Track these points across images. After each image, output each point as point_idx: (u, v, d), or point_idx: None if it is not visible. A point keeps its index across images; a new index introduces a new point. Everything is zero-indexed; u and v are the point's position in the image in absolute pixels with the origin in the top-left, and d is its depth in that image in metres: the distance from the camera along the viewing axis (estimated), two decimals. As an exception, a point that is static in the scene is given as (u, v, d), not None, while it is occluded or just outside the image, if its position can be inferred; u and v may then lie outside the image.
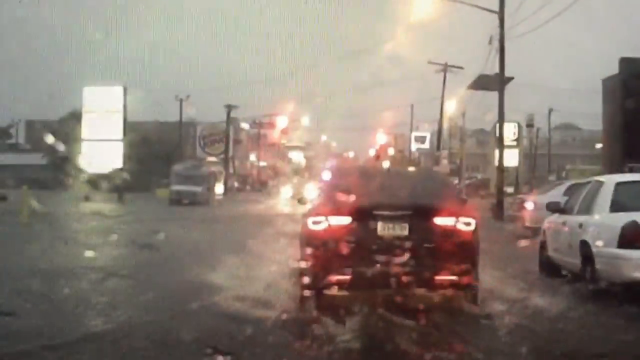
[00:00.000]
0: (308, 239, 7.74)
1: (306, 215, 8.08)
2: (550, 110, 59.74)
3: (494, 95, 28.49)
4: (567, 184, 18.62)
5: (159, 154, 52.87)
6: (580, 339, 6.81)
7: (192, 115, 60.59)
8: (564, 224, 10.13)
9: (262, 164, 78.36)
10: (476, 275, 7.77)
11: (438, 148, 50.54)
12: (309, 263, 7.57)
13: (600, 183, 9.60)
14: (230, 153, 62.76)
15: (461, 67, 45.51)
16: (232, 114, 60.28)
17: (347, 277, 7.45)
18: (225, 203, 42.10)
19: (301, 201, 10.47)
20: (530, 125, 50.97)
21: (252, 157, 78.66)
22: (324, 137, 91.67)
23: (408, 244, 7.40)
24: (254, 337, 6.55)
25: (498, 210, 26.36)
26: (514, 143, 40.42)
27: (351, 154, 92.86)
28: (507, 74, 27.70)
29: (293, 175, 61.23)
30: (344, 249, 7.41)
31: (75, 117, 44.84)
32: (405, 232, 7.53)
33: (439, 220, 7.60)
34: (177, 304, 8.33)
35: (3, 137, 68.61)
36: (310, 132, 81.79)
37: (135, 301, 8.46)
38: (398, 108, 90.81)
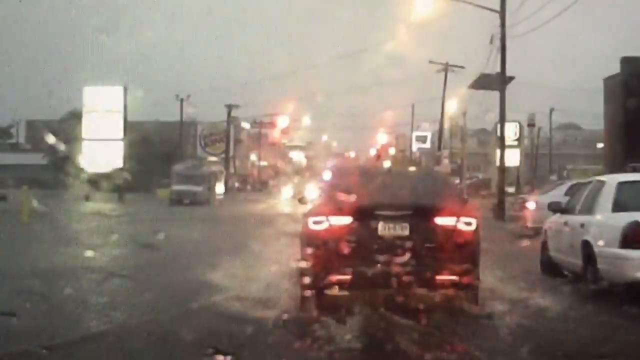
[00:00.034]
0: (309, 239, 7.73)
1: (307, 215, 8.08)
2: (551, 110, 59.76)
3: (495, 94, 28.47)
4: (569, 183, 18.56)
5: (159, 153, 52.90)
6: (581, 339, 6.80)
7: (193, 115, 60.63)
8: (565, 224, 10.09)
9: (263, 163, 78.37)
10: (477, 275, 7.77)
11: (439, 148, 50.52)
12: (310, 263, 7.56)
13: (602, 183, 9.56)
14: (231, 153, 62.79)
15: (462, 67, 45.56)
16: (233, 114, 60.33)
17: (348, 277, 7.46)
18: (226, 203, 42.08)
19: (302, 201, 10.45)
20: (531, 125, 50.88)
21: (253, 156, 78.68)
22: (324, 137, 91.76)
23: (409, 244, 7.39)
24: (254, 337, 6.57)
25: (499, 210, 26.34)
26: (515, 143, 40.34)
27: (352, 154, 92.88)
28: (508, 73, 27.71)
29: (294, 175, 61.17)
30: (345, 249, 7.41)
31: (76, 117, 44.86)
32: (406, 232, 7.53)
33: (439, 220, 7.59)
34: (177, 304, 8.34)
35: (4, 137, 68.70)
36: (311, 131, 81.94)
37: (136, 301, 8.45)
38: (399, 108, 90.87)
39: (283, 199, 42.20)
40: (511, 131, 38.66)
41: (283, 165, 77.49)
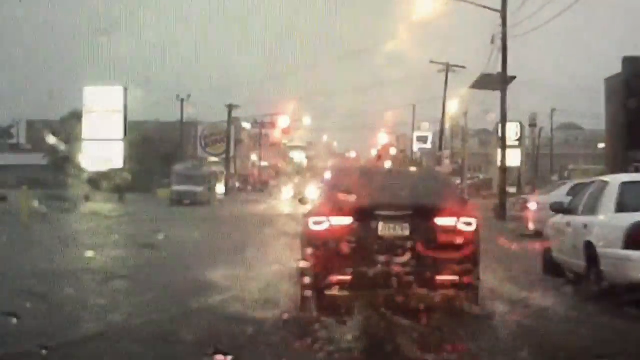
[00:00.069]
0: (309, 239, 7.73)
1: (307, 215, 8.08)
2: (552, 110, 59.71)
3: (496, 94, 28.43)
4: (571, 184, 18.52)
5: (160, 154, 52.86)
6: (582, 340, 6.78)
7: (193, 115, 60.60)
8: (568, 224, 10.02)
9: (264, 164, 78.34)
10: (477, 275, 7.77)
11: (440, 148, 50.45)
12: (310, 263, 7.57)
13: (605, 183, 9.48)
14: (232, 153, 62.72)
15: (463, 67, 45.48)
16: (234, 114, 60.24)
17: (348, 278, 7.46)
18: (226, 203, 42.05)
19: (302, 201, 10.47)
20: (533, 125, 50.87)
21: (254, 157, 78.66)
22: (325, 137, 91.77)
23: (409, 244, 7.42)
24: (254, 337, 6.58)
25: (500, 210, 26.27)
26: (517, 143, 40.30)
27: (353, 154, 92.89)
28: (510, 73, 27.65)
29: (294, 175, 61.13)
30: (345, 249, 7.41)
31: (76, 117, 44.79)
32: (406, 233, 7.54)
33: (439, 221, 7.60)
34: (177, 304, 8.32)
35: (4, 137, 68.70)
36: (311, 132, 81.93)
37: (136, 302, 8.44)
38: (400, 108, 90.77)
39: (284, 200, 42.16)
40: (512, 131, 38.63)
41: (284, 165, 77.42)
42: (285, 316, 7.37)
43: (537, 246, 11.85)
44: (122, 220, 24.13)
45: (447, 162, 48.23)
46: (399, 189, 8.21)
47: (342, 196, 7.79)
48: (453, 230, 7.56)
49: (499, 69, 27.42)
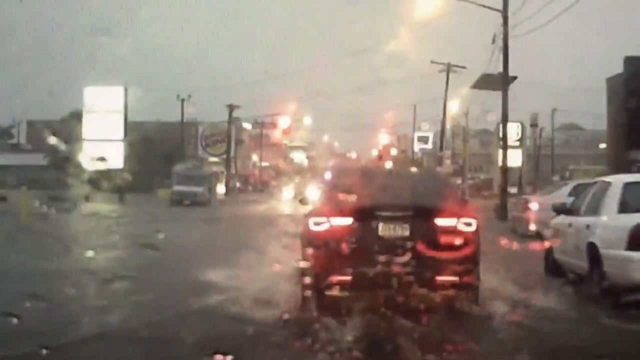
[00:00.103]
0: (309, 240, 7.75)
1: (307, 215, 8.09)
2: (553, 110, 59.64)
3: (497, 95, 28.39)
4: (572, 184, 18.44)
5: (160, 154, 52.83)
6: (583, 340, 6.77)
7: (194, 115, 60.57)
8: (570, 225, 9.96)
9: (264, 164, 78.30)
10: (477, 276, 7.78)
11: (441, 148, 50.41)
12: (310, 263, 7.58)
13: (608, 183, 9.42)
14: (232, 153, 62.66)
15: (464, 67, 45.45)
16: (234, 114, 60.18)
17: (348, 278, 7.48)
18: (227, 203, 42.04)
19: (303, 202, 10.49)
20: (534, 125, 50.82)
21: (254, 157, 78.62)
22: (326, 137, 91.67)
23: (409, 245, 7.44)
24: (255, 337, 6.59)
25: (502, 210, 26.22)
26: (518, 143, 40.27)
27: (354, 154, 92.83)
28: (511, 73, 27.56)
29: (295, 175, 61.09)
30: (345, 250, 7.43)
31: (77, 117, 44.76)
32: (407, 233, 7.55)
33: (440, 221, 7.62)
34: (178, 304, 8.30)
35: (4, 137, 68.71)
36: (312, 132, 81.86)
37: (136, 302, 8.42)
38: (401, 108, 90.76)
39: (284, 200, 42.14)
40: (513, 131, 38.64)
41: (284, 165, 77.39)
42: (286, 316, 7.38)
43: (538, 246, 11.81)
44: (122, 221, 24.09)
45: (448, 162, 48.20)
46: (399, 189, 8.23)
47: (342, 196, 7.81)
48: (453, 231, 7.57)
49: (500, 69, 27.37)
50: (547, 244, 11.20)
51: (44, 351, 5.59)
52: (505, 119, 27.91)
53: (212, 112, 79.64)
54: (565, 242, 10.13)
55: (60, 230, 18.65)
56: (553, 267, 10.75)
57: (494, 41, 27.28)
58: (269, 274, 10.15)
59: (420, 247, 7.43)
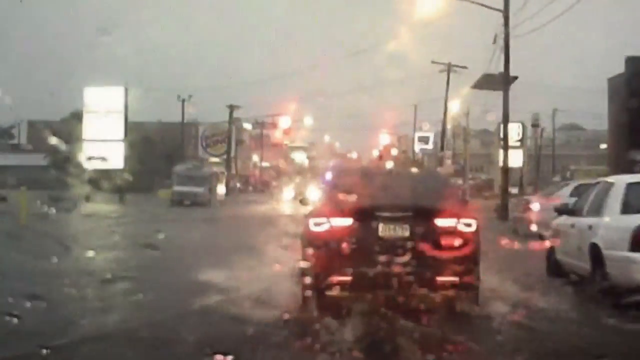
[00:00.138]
0: (310, 240, 7.76)
1: (308, 216, 8.10)
2: (554, 111, 59.57)
3: (498, 95, 28.34)
4: (573, 184, 18.38)
5: (161, 154, 52.78)
6: (584, 341, 6.74)
7: (194, 116, 60.51)
8: (572, 226, 9.90)
9: (265, 164, 78.24)
10: (477, 276, 7.79)
11: (442, 149, 50.35)
12: (311, 264, 7.59)
13: (611, 184, 9.36)
14: (233, 153, 62.62)
15: (465, 67, 45.41)
16: (235, 114, 60.15)
17: (349, 278, 7.50)
18: (227, 204, 42.01)
19: (303, 202, 10.51)
20: (535, 125, 50.75)
21: (255, 157, 78.56)
22: (327, 138, 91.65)
23: (409, 245, 7.45)
24: (255, 337, 6.59)
25: (502, 211, 26.15)
26: (518, 143, 40.18)
27: (354, 155, 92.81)
28: (511, 73, 27.49)
29: (296, 175, 61.03)
30: (346, 250, 7.46)
31: (77, 117, 44.67)
32: (407, 233, 7.57)
33: (440, 222, 7.64)
34: (178, 304, 8.30)
35: (5, 138, 68.66)
36: (313, 132, 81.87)
37: (136, 302, 8.42)
38: (401, 108, 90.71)
39: (285, 200, 42.11)
40: (514, 132, 38.52)
41: (285, 166, 77.34)
42: (286, 316, 7.41)
43: (540, 247, 11.76)
44: (122, 221, 24.07)
45: (448, 162, 48.15)
46: (399, 189, 8.26)
47: (342, 197, 7.83)
48: (453, 231, 7.58)
49: (501, 69, 27.30)
50: (548, 244, 11.14)
51: (44, 351, 5.59)
52: (506, 119, 27.83)
53: (213, 112, 79.60)
54: (568, 242, 10.08)
55: (59, 230, 18.61)
56: (555, 267, 10.70)
57: (495, 41, 27.25)
58: (269, 274, 10.15)
59: (421, 247, 7.44)
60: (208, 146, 67.59)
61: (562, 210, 10.75)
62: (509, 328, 7.14)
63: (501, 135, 29.22)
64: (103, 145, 41.07)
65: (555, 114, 59.84)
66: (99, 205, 31.46)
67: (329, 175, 9.54)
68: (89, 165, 39.12)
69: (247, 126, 74.35)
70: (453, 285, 7.56)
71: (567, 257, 10.07)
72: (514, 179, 36.59)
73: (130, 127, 42.81)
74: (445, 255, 7.46)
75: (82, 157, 39.73)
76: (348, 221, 7.61)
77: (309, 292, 7.63)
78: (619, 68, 32.49)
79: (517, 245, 14.98)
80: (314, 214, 8.02)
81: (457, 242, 7.54)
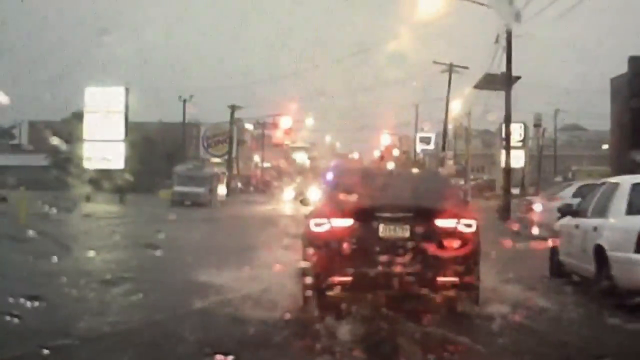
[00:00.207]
0: (310, 241, 7.77)
1: (308, 216, 8.10)
2: (556, 111, 59.46)
3: (499, 95, 28.21)
4: (577, 185, 18.29)
5: (162, 154, 52.75)
6: (586, 341, 6.70)
7: (196, 116, 60.46)
8: (576, 226, 9.81)
9: (266, 164, 78.20)
10: (477, 276, 7.81)
11: (443, 149, 50.22)
12: (311, 264, 7.59)
13: (616, 184, 9.26)
14: (234, 154, 62.56)
15: (466, 67, 45.36)
16: (236, 115, 60.12)
17: (349, 279, 7.52)
18: (228, 204, 41.99)
19: (304, 202, 10.47)
20: (538, 125, 50.69)
21: (256, 157, 78.52)
22: (328, 138, 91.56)
23: (410, 246, 7.47)
24: (256, 337, 6.60)
25: (504, 211, 26.05)
26: (520, 144, 40.11)
27: (356, 155, 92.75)
28: (514, 73, 27.36)
29: (297, 176, 60.97)
30: (346, 251, 7.48)
31: (78, 117, 44.65)
32: (407, 234, 7.58)
33: (440, 222, 7.65)
34: (179, 304, 8.30)
35: (6, 138, 68.66)
36: (314, 132, 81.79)
37: (137, 302, 8.42)
38: (403, 108, 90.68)
39: (286, 200, 42.08)
40: (516, 132, 38.46)
41: (286, 166, 77.30)
42: (287, 316, 7.43)
43: (542, 248, 11.70)
44: (122, 221, 24.03)
45: (450, 163, 48.03)
46: (400, 190, 8.28)
47: (343, 197, 7.86)
48: (453, 232, 7.59)
49: (503, 69, 27.19)
50: (551, 245, 11.05)
51: (44, 351, 5.59)
52: (508, 120, 27.70)
53: (214, 112, 79.69)
54: (571, 244, 9.99)
55: (59, 230, 18.52)
56: (558, 268, 10.63)
57: (497, 41, 27.15)
58: (269, 274, 10.09)
59: (421, 247, 7.45)
60: (209, 146, 67.56)
61: (565, 211, 10.67)
62: (511, 328, 7.13)
63: (503, 135, 29.12)
64: (104, 146, 41.08)
65: (557, 115, 59.81)
66: (99, 205, 31.47)
67: (329, 176, 9.51)
68: (90, 166, 39.11)
69: (249, 126, 74.31)
70: (453, 286, 7.59)
71: (571, 258, 9.98)
72: (515, 180, 36.52)
73: (131, 127, 42.77)
74: (445, 255, 7.48)
75: (82, 158, 39.72)
76: (349, 222, 7.62)
77: (309, 292, 7.64)
78: (622, 68, 32.43)
79: (519, 245, 14.89)
80: (314, 214, 8.02)
81: (458, 242, 7.56)
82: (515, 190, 34.33)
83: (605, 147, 50.94)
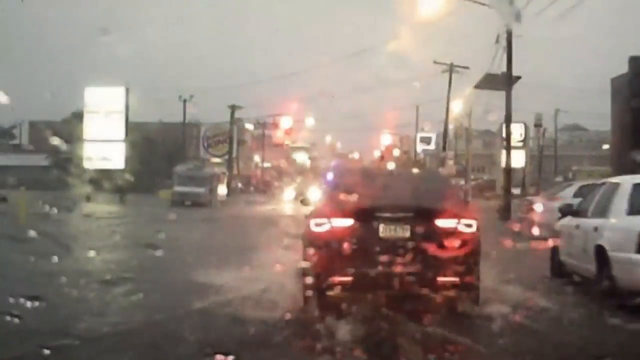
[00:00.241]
0: (310, 241, 7.76)
1: (309, 216, 8.10)
2: (556, 111, 59.43)
3: (499, 95, 28.17)
4: (577, 185, 18.26)
5: (162, 154, 52.73)
6: (589, 343, 6.68)
7: (196, 116, 60.42)
8: (577, 227, 9.78)
9: (266, 164, 78.17)
10: (477, 276, 7.81)
11: (444, 149, 50.14)
12: (312, 264, 7.58)
13: (617, 184, 9.23)
14: (234, 154, 62.52)
15: (467, 67, 45.30)
16: (236, 115, 60.09)
17: (349, 279, 7.52)
18: (228, 204, 41.97)
19: (304, 202, 10.46)
20: (538, 125, 50.64)
21: (256, 158, 78.49)
22: (328, 138, 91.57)
23: (410, 246, 7.47)
24: (256, 337, 6.60)
25: (505, 211, 26.03)
26: (521, 144, 40.06)
27: (356, 155, 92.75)
28: (514, 73, 27.33)
29: (297, 176, 60.94)
30: (346, 251, 7.47)
31: (78, 117, 44.61)
32: (407, 234, 7.58)
33: (440, 222, 7.64)
34: (179, 304, 8.30)
35: (6, 138, 68.70)
36: (314, 132, 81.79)
37: (137, 302, 8.43)
38: (403, 108, 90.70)
39: (286, 201, 42.06)
40: (516, 132, 38.39)
41: (286, 166, 77.27)
42: (287, 316, 7.42)
43: (542, 248, 11.68)
44: (123, 221, 24.01)
45: (450, 163, 47.94)
46: (400, 190, 8.28)
47: (343, 197, 7.86)
48: (453, 232, 7.59)
49: (504, 69, 27.17)
50: (552, 245, 11.03)
51: (44, 351, 5.58)
52: (508, 120, 27.67)
53: (214, 112, 79.65)
54: (572, 244, 9.96)
55: (59, 230, 18.51)
56: (559, 268, 10.60)
57: (497, 41, 27.12)
58: (270, 274, 10.10)
59: (421, 248, 7.45)
60: (209, 146, 67.52)
61: (566, 211, 10.64)
62: (511, 329, 7.12)
63: (503, 135, 29.10)
64: (104, 146, 41.06)
65: (558, 115, 59.78)
66: (99, 205, 31.45)
67: (330, 176, 9.50)
68: (90, 166, 39.10)
69: (249, 126, 74.28)
70: (454, 286, 7.59)
71: (572, 259, 9.96)
72: (516, 180, 36.46)
73: (131, 127, 42.74)
74: (445, 255, 7.47)
75: (83, 158, 39.70)
76: (349, 222, 7.61)
77: (310, 293, 7.64)
78: (622, 68, 32.40)
79: (520, 246, 14.87)
80: (315, 214, 8.01)
81: (458, 242, 7.55)
82: (515, 191, 34.30)
83: (605, 147, 50.93)
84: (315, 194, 16.97)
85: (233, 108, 58.27)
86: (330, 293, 7.65)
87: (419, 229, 7.57)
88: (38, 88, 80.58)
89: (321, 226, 7.66)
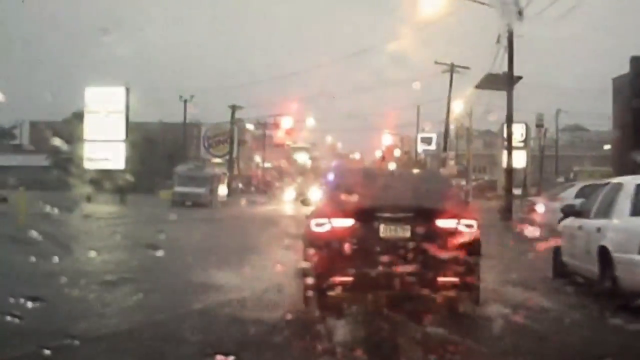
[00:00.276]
0: (311, 241, 7.76)
1: (309, 216, 8.09)
2: (558, 111, 59.38)
3: (500, 96, 28.15)
4: (579, 185, 18.23)
5: (162, 154, 52.72)
6: (590, 344, 6.68)
7: (196, 116, 60.43)
8: (580, 227, 9.73)
9: (267, 165, 78.17)
10: (478, 276, 7.82)
11: (444, 149, 50.10)
12: (312, 264, 7.58)
13: (620, 185, 9.17)
14: (235, 154, 62.53)
15: (467, 67, 45.26)
16: (237, 115, 60.11)
17: (350, 279, 7.51)
18: (229, 205, 41.96)
19: (305, 202, 10.45)
20: (540, 125, 50.62)
21: (257, 158, 78.49)
22: (329, 138, 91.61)
23: (410, 246, 7.46)
24: (257, 337, 6.61)
25: (506, 212, 25.99)
26: (522, 144, 40.01)
27: (357, 155, 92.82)
28: (515, 73, 27.30)
29: (298, 176, 60.95)
30: (347, 251, 7.47)
31: (79, 117, 44.61)
32: (408, 234, 7.58)
33: (440, 222, 7.64)
34: (180, 304, 8.30)
35: (7, 138, 68.72)
36: (315, 132, 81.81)
37: (138, 302, 8.44)
38: (404, 109, 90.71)
39: (287, 201, 42.05)
40: (518, 132, 38.32)
41: (287, 166, 77.28)
42: (288, 317, 7.42)
43: (544, 249, 11.64)
44: (123, 222, 23.98)
45: (451, 163, 47.89)
46: (401, 190, 8.29)
47: (343, 198, 7.85)
48: (454, 232, 7.58)
49: (505, 69, 27.14)
50: (554, 246, 10.99)
51: (45, 351, 5.58)
52: (509, 120, 27.63)
53: (215, 112, 79.74)
54: (574, 244, 9.91)
55: (59, 230, 18.46)
56: (561, 269, 10.56)
57: (498, 41, 27.08)
58: (270, 274, 10.13)
59: (422, 248, 7.44)
60: (210, 147, 67.54)
61: (568, 212, 10.58)
62: (512, 329, 7.12)
63: (504, 135, 29.06)
64: (104, 146, 41.04)
65: (559, 115, 59.72)
66: (100, 205, 31.43)
67: (330, 176, 9.49)
68: (90, 166, 39.10)
69: (250, 127, 74.28)
70: (454, 286, 7.58)
71: (574, 260, 9.91)
72: (517, 180, 36.40)
73: (131, 128, 42.72)
74: (446, 255, 7.45)
75: (83, 158, 39.68)
76: (349, 222, 7.61)
77: (310, 293, 7.64)
78: (624, 68, 32.39)
79: (521, 247, 14.83)
80: (315, 214, 8.00)
81: (458, 242, 7.53)
82: (517, 191, 34.24)
83: (606, 147, 50.89)
84: (316, 194, 16.95)
85: (233, 108, 58.28)
86: (330, 293, 7.64)
87: (420, 229, 7.56)
88: (38, 88, 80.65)
89: (322, 226, 7.66)
